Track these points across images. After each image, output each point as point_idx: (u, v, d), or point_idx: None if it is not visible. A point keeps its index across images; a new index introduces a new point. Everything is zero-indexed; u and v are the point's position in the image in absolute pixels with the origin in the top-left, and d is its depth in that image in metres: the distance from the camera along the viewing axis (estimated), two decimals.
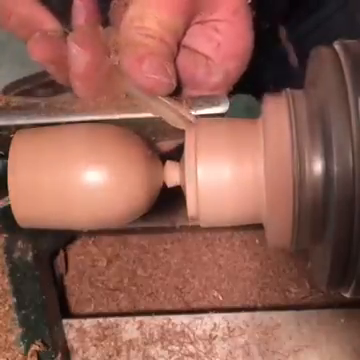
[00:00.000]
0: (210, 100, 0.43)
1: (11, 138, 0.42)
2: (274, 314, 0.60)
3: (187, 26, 0.44)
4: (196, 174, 0.39)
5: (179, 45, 0.44)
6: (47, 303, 0.58)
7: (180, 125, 0.42)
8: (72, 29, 0.47)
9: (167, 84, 0.42)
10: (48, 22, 0.45)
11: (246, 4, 0.44)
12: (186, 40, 0.45)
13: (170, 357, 0.59)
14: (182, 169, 0.42)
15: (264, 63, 0.60)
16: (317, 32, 0.63)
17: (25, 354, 0.55)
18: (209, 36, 0.45)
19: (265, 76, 0.61)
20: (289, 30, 0.65)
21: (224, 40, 0.45)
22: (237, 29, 0.45)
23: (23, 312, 0.56)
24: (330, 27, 0.61)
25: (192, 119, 0.42)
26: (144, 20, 0.42)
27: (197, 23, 0.44)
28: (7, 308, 0.57)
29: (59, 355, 0.56)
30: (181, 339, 0.60)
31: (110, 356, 0.60)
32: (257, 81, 0.54)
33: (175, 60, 0.43)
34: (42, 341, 0.56)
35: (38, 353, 0.55)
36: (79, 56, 0.42)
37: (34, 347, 0.55)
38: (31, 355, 0.55)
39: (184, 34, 0.44)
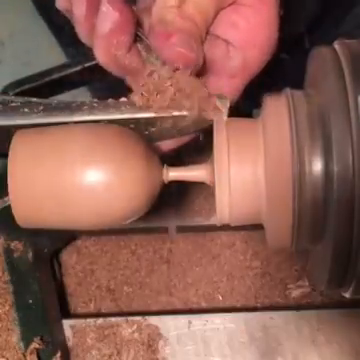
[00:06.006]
0: None
1: (11, 138, 0.42)
2: (274, 314, 0.60)
3: (218, 11, 0.43)
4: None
5: (208, 31, 0.43)
6: (47, 303, 0.58)
7: None
8: None
9: (193, 59, 0.41)
10: None
11: None
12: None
13: (170, 357, 0.59)
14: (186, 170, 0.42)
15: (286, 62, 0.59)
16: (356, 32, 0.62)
17: (25, 353, 0.55)
18: (232, 21, 0.44)
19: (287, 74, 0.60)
20: (322, 34, 0.64)
21: (246, 26, 0.44)
22: (261, 17, 0.44)
23: (23, 312, 0.56)
24: None
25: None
26: (178, 1, 0.41)
27: (222, 8, 0.44)
28: (7, 308, 0.56)
29: (59, 355, 0.56)
30: (181, 339, 0.60)
31: (110, 356, 0.60)
32: (277, 78, 0.53)
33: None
34: (41, 339, 0.55)
35: (37, 351, 0.55)
36: (108, 13, 0.41)
37: (33, 345, 0.55)
38: (30, 353, 0.54)
39: (214, 20, 0.43)
